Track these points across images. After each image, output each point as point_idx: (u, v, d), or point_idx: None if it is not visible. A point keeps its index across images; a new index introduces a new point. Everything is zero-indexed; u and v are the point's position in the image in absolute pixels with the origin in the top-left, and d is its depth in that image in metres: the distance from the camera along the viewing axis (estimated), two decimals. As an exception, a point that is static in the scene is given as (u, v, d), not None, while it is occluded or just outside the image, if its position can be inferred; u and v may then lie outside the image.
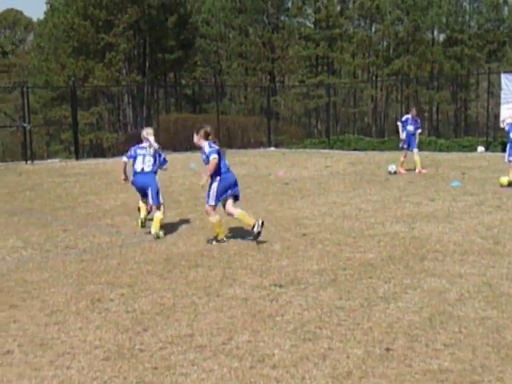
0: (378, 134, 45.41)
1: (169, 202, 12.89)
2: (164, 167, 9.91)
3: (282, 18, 50.72)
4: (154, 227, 9.24)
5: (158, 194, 9.48)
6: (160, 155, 9.74)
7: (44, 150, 48.81)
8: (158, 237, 9.12)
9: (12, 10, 64.64)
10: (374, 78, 52.56)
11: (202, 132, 8.65)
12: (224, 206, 8.74)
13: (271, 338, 5.07)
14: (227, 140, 30.15)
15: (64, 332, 5.32)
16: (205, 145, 8.62)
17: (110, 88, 42.99)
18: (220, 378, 4.35)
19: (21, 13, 65.31)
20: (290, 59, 48.79)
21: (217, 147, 8.65)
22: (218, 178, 8.62)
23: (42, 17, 59.05)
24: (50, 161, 26.28)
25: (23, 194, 14.38)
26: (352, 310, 5.74)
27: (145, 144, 9.51)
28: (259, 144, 30.83)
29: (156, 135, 27.84)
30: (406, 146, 17.61)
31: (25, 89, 26.03)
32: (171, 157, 24.94)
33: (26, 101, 25.49)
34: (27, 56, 56.79)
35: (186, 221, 10.69)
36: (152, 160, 9.58)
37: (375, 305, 5.90)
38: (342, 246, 8.35)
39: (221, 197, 8.64)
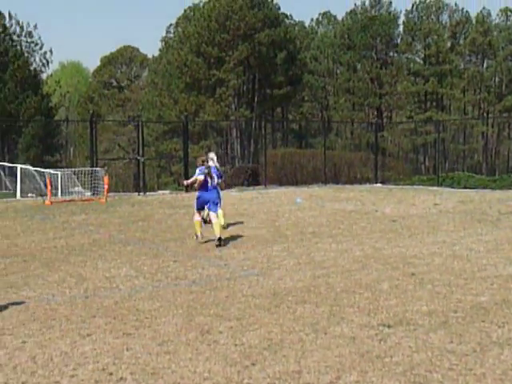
0: (489, 172, 43.96)
1: (275, 236, 12.99)
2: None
3: (391, 53, 50.46)
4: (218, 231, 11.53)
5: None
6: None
7: (155, 181, 50.58)
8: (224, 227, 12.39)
9: (129, 46, 67.90)
10: (485, 114, 51.08)
11: (199, 160, 12.10)
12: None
13: (380, 380, 4.97)
14: (333, 175, 30.09)
15: (174, 362, 5.44)
16: (198, 169, 11.85)
17: (219, 122, 44.14)
18: (328, 417, 4.29)
19: (137, 49, 68.49)
20: (398, 95, 48.34)
21: (205, 171, 11.70)
22: (197, 194, 11.90)
23: (156, 53, 61.58)
24: (160, 192, 27.22)
25: (136, 225, 14.92)
26: (464, 355, 5.53)
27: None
28: (366, 180, 30.54)
29: (263, 169, 28.00)
30: None
31: (140, 123, 27.17)
32: (278, 191, 25.20)
33: (140, 134, 26.59)
34: (142, 91, 59.49)
35: (293, 255, 10.71)
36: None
37: (488, 350, 5.66)
38: (452, 288, 8.09)
39: (199, 207, 11.98)
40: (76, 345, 5.92)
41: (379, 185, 29.33)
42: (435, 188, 26.53)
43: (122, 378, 5.06)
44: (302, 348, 5.79)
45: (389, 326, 6.43)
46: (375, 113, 50.76)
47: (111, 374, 5.16)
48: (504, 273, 8.97)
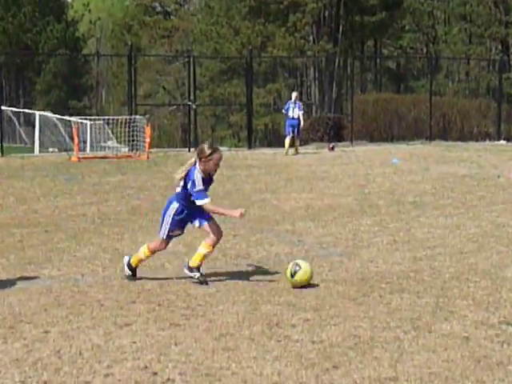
0: None
1: (364, 206, 12.98)
2: None
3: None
4: None
5: None
6: None
7: (209, 135, 51.03)
8: None
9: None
10: None
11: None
12: None
13: (502, 394, 4.93)
14: (442, 129, 29.66)
15: (235, 361, 5.53)
16: None
17: (292, 59, 43.97)
18: None
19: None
20: (531, 22, 46.98)
21: None
22: None
23: (212, -30, 61.52)
24: (216, 148, 27.40)
25: (185, 189, 15.12)
26: None
27: None
28: (485, 135, 29.98)
29: (349, 121, 28.13)
30: None
31: (191, 59, 27.33)
32: (367, 148, 25.09)
33: (191, 74, 26.78)
34: (193, 18, 59.66)
35: (387, 231, 10.67)
36: None
37: None
38: None
39: None
40: (111, 336, 6.09)
41: (503, 142, 28.80)
42: None
43: (169, 380, 5.18)
44: (398, 349, 5.79)
45: (514, 325, 6.36)
46: (499, 47, 49.51)
47: (155, 373, 5.29)
48: None
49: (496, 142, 28.53)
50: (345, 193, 14.61)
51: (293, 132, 23.90)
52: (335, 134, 30.38)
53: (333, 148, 25.31)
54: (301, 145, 25.77)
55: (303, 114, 24.27)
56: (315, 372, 5.32)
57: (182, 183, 7.83)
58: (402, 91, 48.11)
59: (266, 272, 8.32)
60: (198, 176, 7.72)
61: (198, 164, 7.80)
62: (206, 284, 7.75)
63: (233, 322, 6.48)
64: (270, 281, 7.92)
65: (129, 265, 8.03)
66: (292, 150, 23.76)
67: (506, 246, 9.65)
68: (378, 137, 27.53)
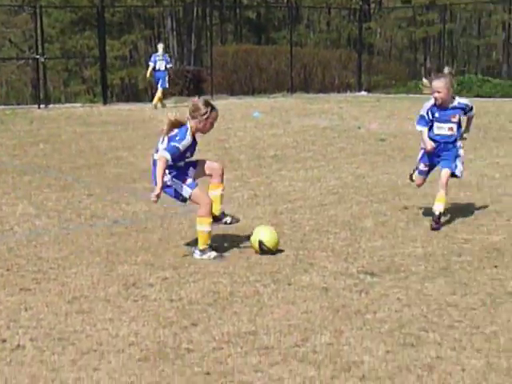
0: (511, 75, 44.39)
1: (224, 161, 13.05)
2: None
3: None
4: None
5: None
6: None
7: (61, 90, 49.85)
8: None
9: None
10: (506, -3, 51.22)
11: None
12: None
13: (359, 341, 5.13)
14: (303, 81, 30.09)
15: (89, 324, 5.51)
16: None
17: (147, 9, 43.38)
18: (291, 389, 4.45)
19: None
20: (390, -29, 48.16)
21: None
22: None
23: None
24: (69, 105, 26.95)
25: (36, 148, 14.81)
26: (469, 309, 5.74)
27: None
28: (346, 87, 30.65)
29: (209, 73, 28.05)
30: None
31: (37, 9, 26.52)
32: (227, 102, 25.18)
33: (39, 25, 26.01)
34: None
35: (248, 186, 10.82)
36: None
37: (501, 303, 5.88)
38: (457, 225, 8.32)
39: None
40: (-44, 304, 5.95)
41: (364, 93, 29.54)
42: (438, 97, 26.82)
43: (19, 346, 5.12)
44: (258, 303, 5.92)
45: (372, 274, 6.60)
46: (360, -4, 50.51)
47: (4, 340, 5.21)
48: (525, 204, 9.27)
49: (357, 93, 29.25)
50: (205, 148, 14.59)
51: (160, 85, 24.32)
52: (195, 87, 30.30)
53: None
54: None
55: (171, 68, 24.56)
56: (173, 330, 5.37)
57: (165, 141, 7.25)
58: (264, 42, 48.39)
59: (123, 232, 8.28)
60: (188, 138, 7.24)
61: (190, 123, 7.34)
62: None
63: (87, 284, 6.44)
64: (127, 240, 7.90)
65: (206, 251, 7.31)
66: (158, 103, 24.25)
67: (365, 196, 9.98)
68: (238, 90, 27.66)
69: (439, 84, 8.29)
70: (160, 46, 24.76)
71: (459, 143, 8.52)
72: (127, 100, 37.33)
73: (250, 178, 11.46)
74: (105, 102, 26.47)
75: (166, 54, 25.15)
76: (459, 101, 8.48)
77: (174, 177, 7.32)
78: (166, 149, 7.18)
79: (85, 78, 48.79)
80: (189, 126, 7.31)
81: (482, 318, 5.55)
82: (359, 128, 17.46)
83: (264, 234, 7.39)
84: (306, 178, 11.39)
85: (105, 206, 9.63)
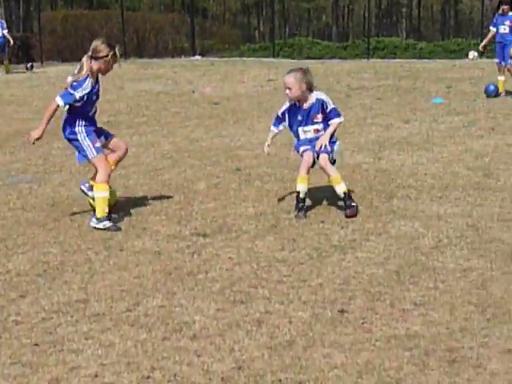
0: (341, 38, 45.69)
1: (56, 129, 12.71)
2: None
3: None
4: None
5: None
6: None
7: None
8: None
9: None
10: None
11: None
12: None
13: (191, 302, 5.19)
14: (136, 46, 29.76)
15: None
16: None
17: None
18: (122, 353, 4.44)
19: None
20: None
21: None
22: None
23: None
24: None
25: None
26: (297, 264, 5.90)
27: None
28: (180, 51, 30.56)
29: (37, 40, 27.24)
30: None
31: None
32: (58, 69, 24.58)
33: None
34: None
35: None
36: None
37: (327, 256, 6.08)
38: (286, 184, 8.51)
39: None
40: None
41: (198, 57, 29.52)
42: (270, 60, 27.24)
43: None
44: (89, 271, 5.88)
45: (204, 236, 6.68)
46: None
47: None
48: (351, 162, 9.64)
49: (191, 58, 29.20)
50: (35, 116, 14.24)
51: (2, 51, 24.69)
52: (24, 54, 29.40)
53: (31, 67, 24.92)
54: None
55: (8, 33, 24.85)
56: (1, 303, 5.25)
57: None
58: (95, 8, 47.41)
59: None
60: (86, 86, 7.14)
61: (91, 65, 7.17)
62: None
63: None
64: (-48, 214, 7.63)
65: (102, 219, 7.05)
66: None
67: (199, 159, 10.03)
68: (70, 56, 26.98)
69: (289, 79, 7.38)
70: None
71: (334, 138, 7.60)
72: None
73: (82, 146, 11.25)
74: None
75: (3, 20, 24.96)
76: (317, 96, 7.48)
77: (87, 135, 7.28)
78: (60, 94, 7.15)
79: None
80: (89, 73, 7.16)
81: (309, 272, 5.72)
82: (193, 92, 17.49)
83: None
84: (139, 144, 11.33)
85: None
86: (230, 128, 12.44)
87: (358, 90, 17.18)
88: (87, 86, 7.18)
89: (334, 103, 7.61)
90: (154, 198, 8.10)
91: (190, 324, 4.84)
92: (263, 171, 9.15)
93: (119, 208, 7.67)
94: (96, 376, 4.18)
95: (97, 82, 7.40)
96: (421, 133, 11.54)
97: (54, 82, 20.52)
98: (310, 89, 7.47)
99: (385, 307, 5.04)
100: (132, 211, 7.58)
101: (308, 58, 27.31)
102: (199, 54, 30.15)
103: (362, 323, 4.80)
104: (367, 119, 12.96)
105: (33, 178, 9.24)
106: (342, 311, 4.99)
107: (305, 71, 7.53)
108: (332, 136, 7.51)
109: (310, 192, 8.08)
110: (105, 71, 7.42)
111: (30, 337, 4.70)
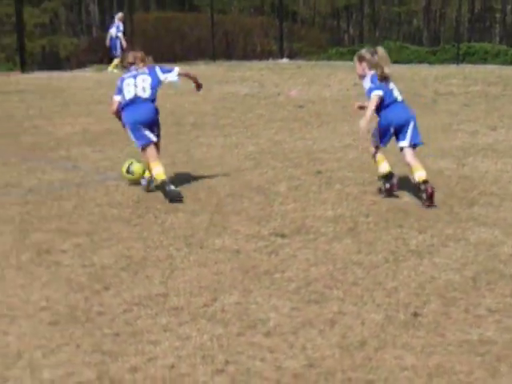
0: (432, 42, 45.16)
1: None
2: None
3: None
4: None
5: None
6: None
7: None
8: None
9: None
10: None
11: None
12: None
13: (266, 300, 5.31)
14: (225, 48, 30.08)
15: (0, 291, 5.56)
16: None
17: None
18: (198, 346, 4.59)
19: None
20: None
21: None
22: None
23: None
24: (-14, 74, 26.37)
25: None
26: (373, 267, 5.97)
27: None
28: (267, 54, 30.75)
29: (129, 41, 27.79)
30: None
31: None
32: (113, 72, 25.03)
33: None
34: None
35: (166, 153, 10.84)
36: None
37: (404, 260, 6.12)
38: (366, 187, 8.56)
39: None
40: None
41: (285, 60, 29.66)
42: (358, 63, 27.16)
43: None
44: (170, 266, 6.05)
45: (282, 236, 6.79)
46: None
47: None
48: (434, 167, 9.55)
49: (279, 61, 29.35)
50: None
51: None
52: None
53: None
54: (79, 67, 25.77)
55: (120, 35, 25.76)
56: (85, 295, 5.47)
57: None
58: (187, 9, 48.06)
59: (37, 200, 8.29)
60: None
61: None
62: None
63: (-1, 251, 6.49)
64: (41, 209, 7.92)
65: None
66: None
67: (281, 161, 10.15)
68: (159, 58, 27.41)
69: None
70: (119, 15, 26.24)
71: None
72: (48, 69, 36.75)
73: (169, 145, 11.46)
74: (23, 70, 26.04)
75: (120, 23, 25.74)
76: None
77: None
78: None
79: (4, 45, 47.83)
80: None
81: (384, 275, 5.78)
82: (279, 95, 17.62)
83: (134, 162, 8.91)
84: (224, 145, 11.51)
85: (20, 174, 9.59)
86: (313, 131, 12.53)
87: (445, 95, 17.04)
88: None
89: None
90: (236, 198, 8.25)
91: (265, 321, 4.96)
92: (344, 174, 9.21)
93: (202, 207, 7.85)
94: (172, 367, 4.34)
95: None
96: (507, 140, 11.43)
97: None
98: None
99: (459, 312, 5.07)
100: (213, 210, 7.75)
101: (396, 62, 27.13)
102: (287, 57, 30.30)
103: (435, 327, 4.84)
104: (453, 125, 12.87)
105: (119, 176, 9.49)
106: (415, 314, 5.04)
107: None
108: None
109: (389, 197, 8.13)
110: None
111: (112, 327, 4.89)
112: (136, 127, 8.39)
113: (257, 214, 7.60)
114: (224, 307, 5.20)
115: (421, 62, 27.23)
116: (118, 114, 8.63)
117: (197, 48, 28.99)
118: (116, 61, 25.50)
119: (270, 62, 28.31)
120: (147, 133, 8.45)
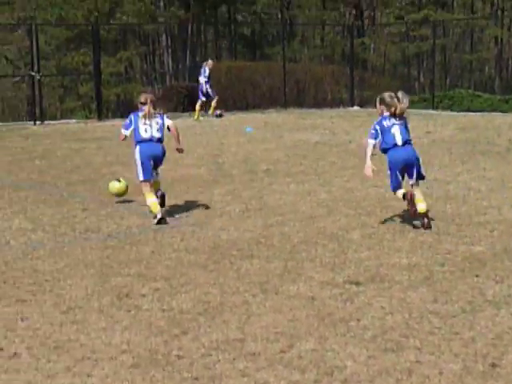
0: (503, 90, 44.72)
1: (217, 176, 13.29)
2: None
3: None
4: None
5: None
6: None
7: (57, 107, 50.02)
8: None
9: None
10: (499, 12, 51.57)
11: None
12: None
13: (343, 347, 5.34)
14: (296, 96, 30.31)
15: (84, 333, 5.72)
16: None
17: (143, 26, 43.58)
18: (276, 392, 4.65)
19: None
20: (383, -13, 48.43)
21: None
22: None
23: None
24: (64, 121, 27.09)
25: (31, 163, 15.00)
26: (449, 316, 5.95)
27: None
28: (338, 102, 30.89)
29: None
30: None
31: (33, 27, 26.75)
32: (222, 118, 25.39)
33: (34, 42, 26.20)
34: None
35: (240, 200, 11.02)
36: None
37: (481, 310, 6.09)
38: (441, 236, 8.53)
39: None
40: (-46, 315, 6.15)
41: (356, 108, 29.75)
42: (429, 111, 27.11)
43: (15, 354, 5.33)
44: (246, 312, 6.13)
45: (357, 284, 6.82)
46: (353, 12, 50.84)
47: (1, 349, 5.42)
48: (509, 216, 9.46)
49: (349, 108, 29.46)
50: (198, 163, 14.86)
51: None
52: (189, 103, 30.52)
53: (220, 115, 25.64)
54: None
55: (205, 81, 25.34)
56: (164, 338, 5.58)
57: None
58: (258, 58, 48.60)
59: (116, 245, 8.49)
60: None
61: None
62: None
63: (81, 295, 6.65)
64: (120, 253, 8.11)
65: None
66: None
67: (354, 209, 10.19)
68: (232, 105, 27.83)
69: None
70: (209, 62, 25.91)
71: None
72: (122, 116, 37.47)
73: (242, 192, 11.66)
74: (99, 118, 26.68)
75: (206, 69, 25.75)
76: None
77: None
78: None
79: (80, 94, 49.00)
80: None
81: (462, 325, 5.76)
82: (350, 142, 17.68)
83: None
84: (296, 192, 11.60)
85: (99, 220, 9.83)
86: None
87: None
88: None
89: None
90: (309, 245, 8.31)
91: (342, 368, 4.99)
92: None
93: (275, 253, 7.94)
94: (251, 412, 4.40)
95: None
96: None
97: (217, 131, 21.25)
98: None
99: (538, 364, 5.03)
100: (287, 257, 7.82)
101: (469, 110, 27.04)
102: (358, 105, 30.39)
103: (514, 378, 4.81)
104: (527, 174, 12.76)
105: (195, 222, 9.65)
106: (493, 365, 5.02)
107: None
108: None
109: (465, 245, 8.11)
110: None
111: (191, 371, 4.99)
112: (147, 162, 9.75)
113: (331, 261, 7.65)
114: (300, 354, 5.25)
115: (493, 110, 27.02)
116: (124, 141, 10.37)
117: (268, 96, 29.30)
118: (198, 106, 25.55)
119: (341, 110, 28.44)
120: (152, 170, 9.83)
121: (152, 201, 9.65)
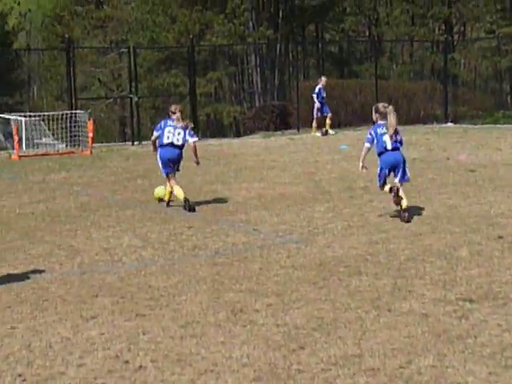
0: None
1: (316, 193, 13.38)
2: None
3: None
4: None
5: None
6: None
7: (148, 127, 50.93)
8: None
9: None
10: None
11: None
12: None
13: (462, 364, 5.36)
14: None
15: (204, 347, 5.87)
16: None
17: (232, 47, 44.09)
18: (400, 407, 4.70)
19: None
20: (473, 1, 47.87)
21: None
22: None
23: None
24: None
25: (134, 183, 15.37)
26: None
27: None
28: (432, 118, 30.64)
29: (295, 108, 27.91)
30: None
31: (131, 49, 27.34)
32: (315, 135, 25.51)
33: (132, 65, 26.78)
34: (127, 7, 59.31)
35: (341, 217, 11.08)
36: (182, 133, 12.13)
37: None
38: (552, 252, 8.44)
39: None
40: (79, 329, 6.39)
41: (450, 124, 29.47)
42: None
43: (141, 367, 5.51)
44: (361, 328, 6.20)
45: (471, 301, 6.81)
46: (443, 27, 50.39)
47: (127, 362, 5.61)
48: None
49: (443, 125, 29.21)
50: (296, 181, 14.99)
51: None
52: (281, 121, 30.77)
53: (326, 133, 25.74)
54: (247, 134, 26.35)
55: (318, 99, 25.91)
56: (283, 353, 5.69)
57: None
58: (346, 76, 48.59)
59: (224, 262, 8.66)
60: None
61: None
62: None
63: (197, 310, 6.83)
64: (230, 270, 8.27)
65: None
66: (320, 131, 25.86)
67: (458, 226, 10.13)
68: (324, 123, 27.92)
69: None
70: (323, 79, 26.75)
71: None
72: (213, 136, 37.98)
73: (343, 209, 11.72)
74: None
75: (320, 86, 26.32)
76: None
77: None
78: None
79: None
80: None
81: None
82: (448, 159, 17.56)
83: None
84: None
85: (205, 237, 10.03)
86: (488, 195, 12.41)
87: None
88: None
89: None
90: (417, 262, 8.32)
91: (463, 384, 5.01)
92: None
93: (383, 270, 7.97)
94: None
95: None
96: None
97: (311, 148, 21.37)
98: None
99: None
100: (396, 274, 7.85)
101: None
102: (451, 121, 30.10)
103: None
104: None
105: (299, 239, 9.76)
106: None
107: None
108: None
109: None
110: None
111: (313, 385, 5.08)
112: (166, 162, 12.03)
113: (441, 278, 7.64)
114: (420, 370, 5.29)
115: None
116: (154, 144, 12.38)
117: (360, 113, 29.22)
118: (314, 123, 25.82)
119: (435, 126, 28.22)
120: (171, 165, 12.08)
121: (179, 191, 11.85)
